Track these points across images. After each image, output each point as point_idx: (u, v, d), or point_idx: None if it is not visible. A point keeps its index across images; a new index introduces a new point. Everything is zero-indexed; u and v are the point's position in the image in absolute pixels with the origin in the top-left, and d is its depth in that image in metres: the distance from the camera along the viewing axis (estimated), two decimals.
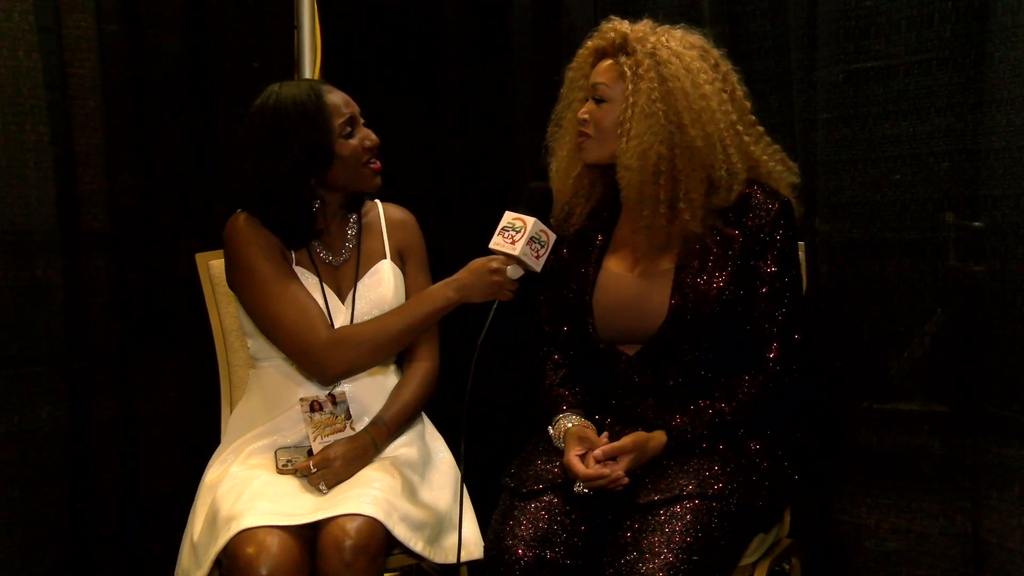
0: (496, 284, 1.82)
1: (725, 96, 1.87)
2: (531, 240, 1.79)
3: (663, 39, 1.87)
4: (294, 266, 1.99)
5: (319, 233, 2.01)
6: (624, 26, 1.91)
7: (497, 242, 1.81)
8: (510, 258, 1.81)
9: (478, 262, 1.85)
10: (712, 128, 1.83)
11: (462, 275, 1.87)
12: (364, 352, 1.92)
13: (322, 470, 1.88)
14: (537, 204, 1.86)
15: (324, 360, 1.91)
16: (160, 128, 2.52)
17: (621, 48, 1.89)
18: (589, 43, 1.96)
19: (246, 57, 2.62)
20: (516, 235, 1.79)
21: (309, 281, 1.98)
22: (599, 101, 1.91)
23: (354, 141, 1.96)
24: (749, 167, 1.88)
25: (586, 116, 1.92)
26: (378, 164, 1.99)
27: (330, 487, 1.87)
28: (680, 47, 1.87)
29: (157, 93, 2.51)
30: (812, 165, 2.06)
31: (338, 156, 1.94)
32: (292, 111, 1.91)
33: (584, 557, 1.78)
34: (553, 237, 1.82)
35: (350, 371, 1.96)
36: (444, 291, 1.88)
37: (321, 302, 1.97)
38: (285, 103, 1.92)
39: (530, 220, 1.79)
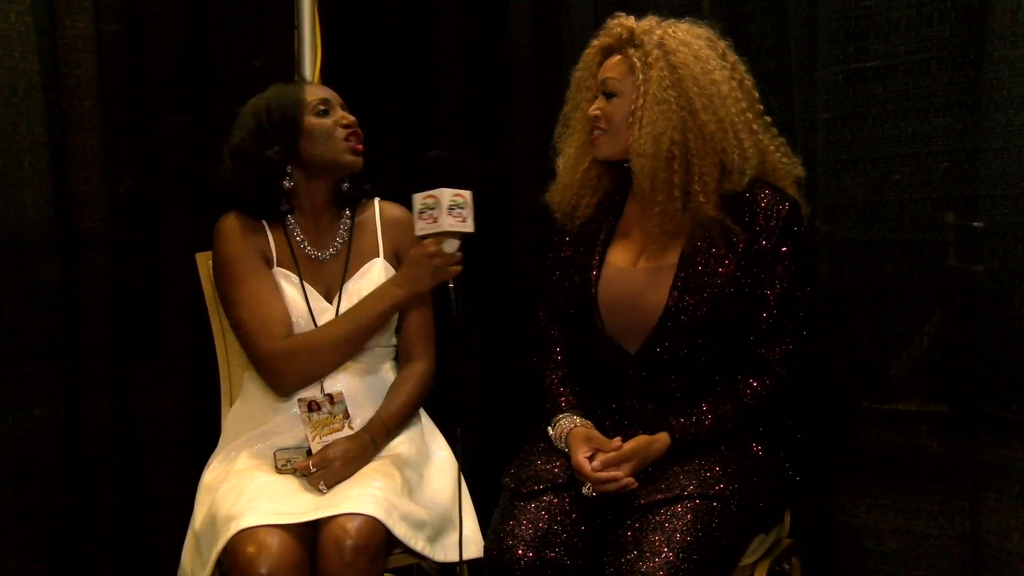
0: (438, 265, 1.85)
1: (734, 83, 1.88)
2: (450, 209, 1.81)
3: (670, 30, 1.89)
4: (275, 267, 1.99)
5: (290, 210, 2.02)
6: (630, 21, 1.93)
7: (421, 227, 1.84)
8: (441, 235, 1.84)
9: (414, 251, 1.90)
10: (723, 113, 1.84)
11: (404, 269, 1.92)
12: (320, 360, 1.94)
13: (321, 470, 1.87)
14: (441, 172, 1.91)
15: (278, 370, 1.93)
16: (159, 128, 2.51)
17: (628, 42, 1.90)
18: (595, 42, 1.97)
19: (247, 57, 2.62)
20: (434, 212, 1.82)
21: (290, 280, 1.99)
22: (609, 96, 1.91)
23: (327, 120, 1.99)
24: (758, 155, 1.89)
25: (597, 112, 1.92)
26: (359, 144, 2.01)
27: (329, 487, 1.86)
28: (687, 37, 1.88)
29: (157, 93, 2.50)
30: (812, 165, 2.06)
31: (307, 131, 1.97)
32: (267, 97, 2.00)
33: (584, 557, 1.78)
34: (469, 194, 1.84)
35: (308, 379, 1.96)
36: (391, 289, 1.91)
37: (302, 303, 1.97)
38: (268, 94, 2.01)
39: (440, 192, 1.82)
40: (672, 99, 1.84)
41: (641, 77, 1.86)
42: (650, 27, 1.90)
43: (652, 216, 1.89)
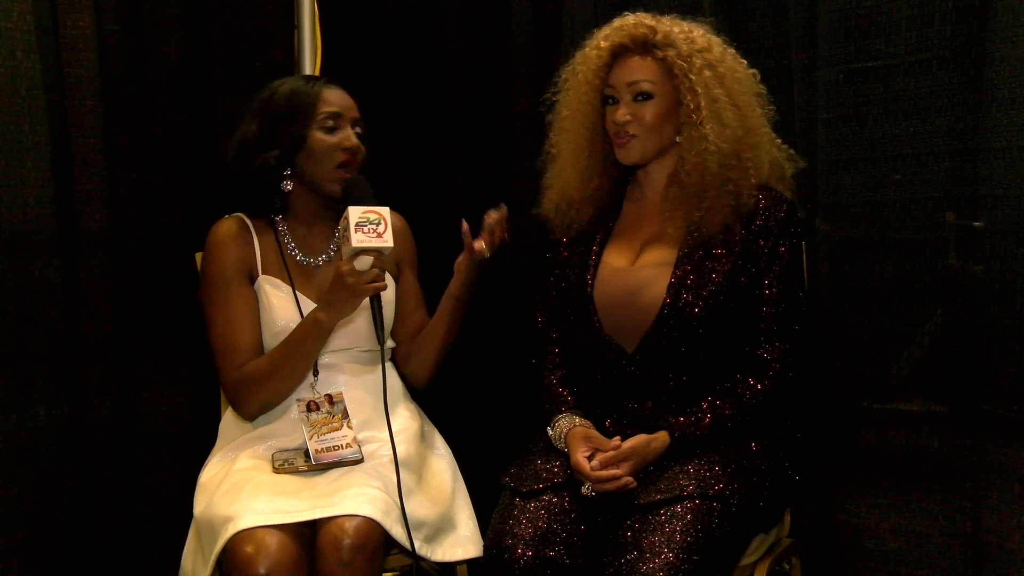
0: (355, 284, 1.81)
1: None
2: (358, 226, 1.79)
3: (686, 28, 1.89)
4: (261, 275, 1.99)
5: (282, 210, 2.02)
6: (649, 19, 1.90)
7: (343, 251, 1.83)
8: (355, 255, 1.81)
9: (332, 276, 1.86)
10: (758, 111, 1.88)
11: (326, 294, 1.88)
12: (266, 391, 1.94)
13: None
14: (352, 194, 1.90)
15: (236, 400, 1.96)
16: (160, 128, 2.52)
17: (654, 43, 1.87)
18: (603, 43, 1.92)
19: (246, 57, 2.62)
20: (347, 232, 1.80)
21: (279, 288, 1.99)
22: (643, 98, 1.88)
23: (332, 138, 1.96)
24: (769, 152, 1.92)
25: (628, 117, 1.89)
26: (347, 174, 1.97)
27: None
28: (708, 37, 1.89)
29: (157, 93, 2.51)
30: (812, 165, 2.07)
31: (309, 146, 1.96)
32: (283, 94, 1.99)
33: (584, 556, 1.78)
34: (384, 209, 1.81)
35: (261, 408, 1.97)
36: (314, 315, 1.89)
37: (294, 310, 1.97)
38: (283, 88, 2.00)
39: (348, 211, 1.80)
40: (723, 97, 1.84)
41: (694, 78, 1.84)
42: (669, 27, 1.88)
43: (697, 210, 1.86)
